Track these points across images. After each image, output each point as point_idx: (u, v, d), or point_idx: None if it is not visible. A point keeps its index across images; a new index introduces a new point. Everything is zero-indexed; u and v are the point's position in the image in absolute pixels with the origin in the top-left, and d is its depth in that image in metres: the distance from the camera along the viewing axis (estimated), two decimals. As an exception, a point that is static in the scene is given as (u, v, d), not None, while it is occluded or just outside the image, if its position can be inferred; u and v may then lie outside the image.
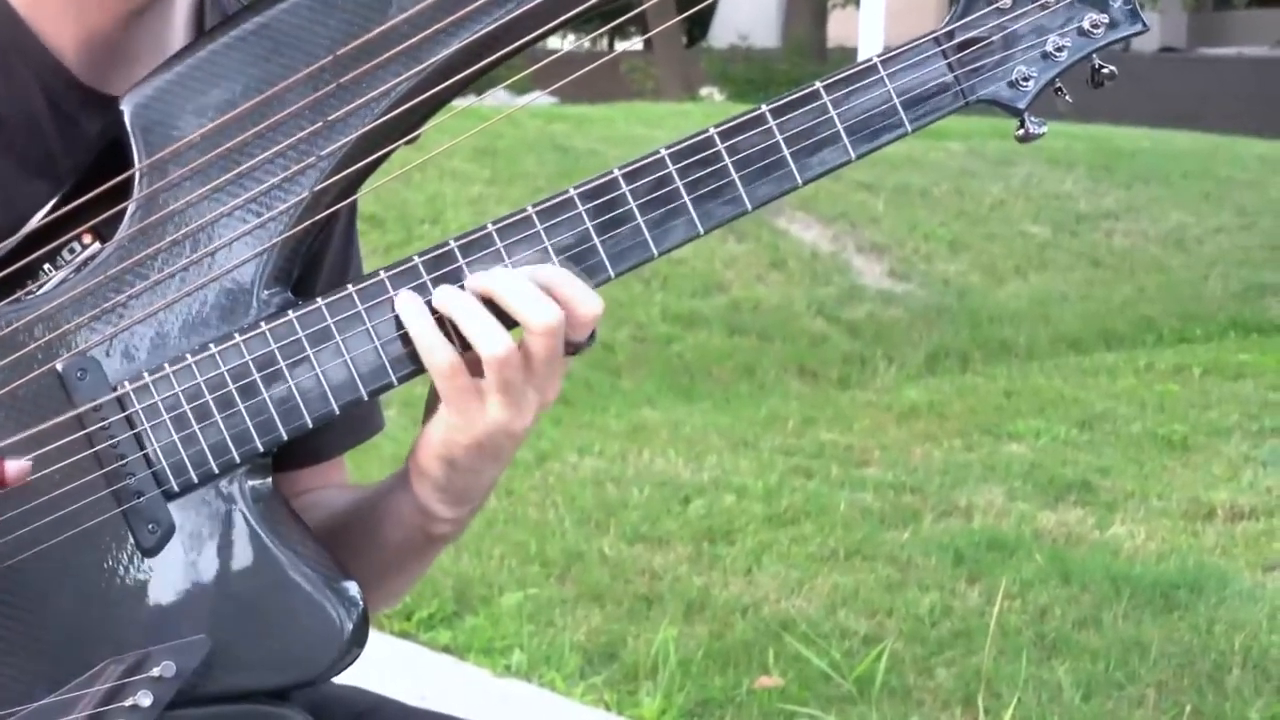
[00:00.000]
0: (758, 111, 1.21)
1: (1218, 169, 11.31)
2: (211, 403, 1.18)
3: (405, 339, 1.19)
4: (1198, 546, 4.72)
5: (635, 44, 17.42)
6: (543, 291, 1.16)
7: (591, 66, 1.26)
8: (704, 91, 19.27)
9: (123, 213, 1.18)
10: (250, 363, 1.18)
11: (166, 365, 1.18)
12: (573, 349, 1.19)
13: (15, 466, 1.13)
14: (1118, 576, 4.34)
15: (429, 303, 1.18)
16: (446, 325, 1.18)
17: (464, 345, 1.18)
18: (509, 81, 1.37)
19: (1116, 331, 8.38)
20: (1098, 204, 10.12)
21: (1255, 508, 5.08)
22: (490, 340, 1.16)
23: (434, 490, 1.24)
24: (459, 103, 1.24)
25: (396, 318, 1.19)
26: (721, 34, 23.26)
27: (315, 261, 1.32)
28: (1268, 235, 10.02)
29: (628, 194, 1.20)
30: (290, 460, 1.34)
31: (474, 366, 1.19)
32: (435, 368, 1.17)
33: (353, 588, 1.23)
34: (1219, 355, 7.61)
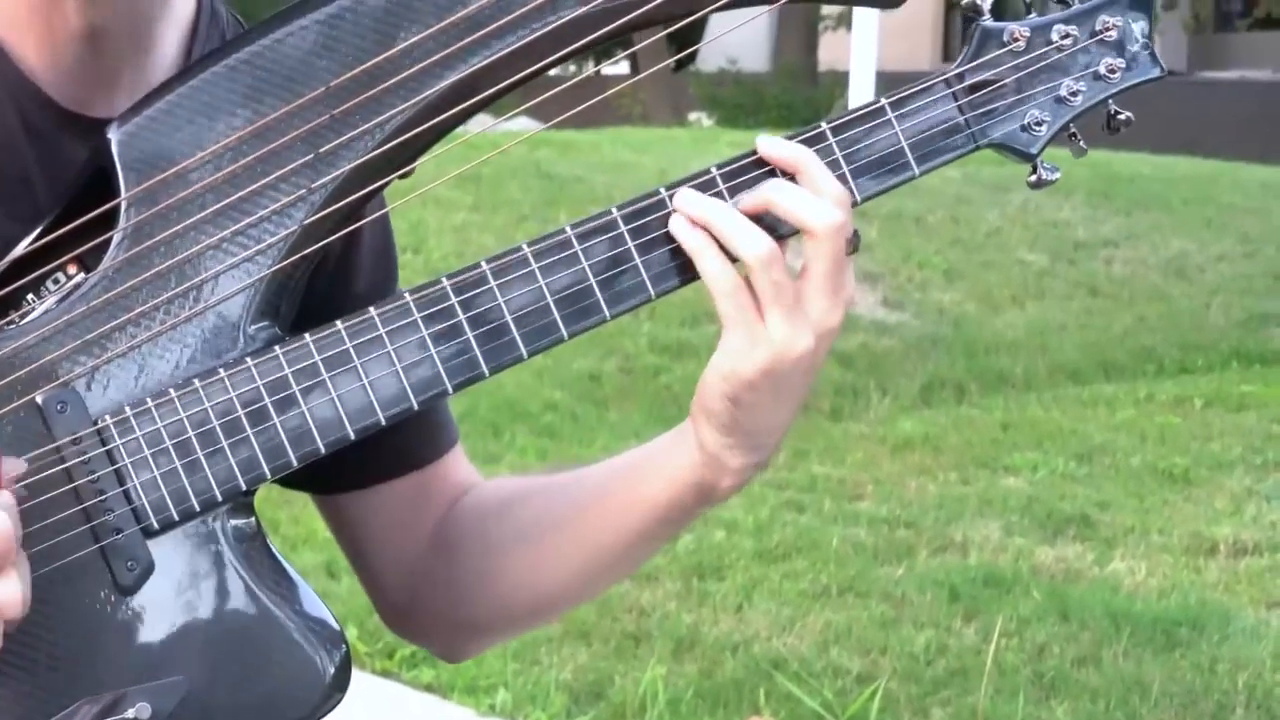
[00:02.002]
0: (758, 154, 1.19)
1: (1219, 195, 11.28)
2: (194, 439, 1.17)
3: (392, 378, 1.17)
4: (1200, 583, 4.69)
5: (622, 68, 17.42)
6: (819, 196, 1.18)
7: (597, 99, 1.23)
8: (692, 116, 19.26)
9: (108, 243, 1.17)
10: (235, 399, 1.17)
11: (149, 400, 1.16)
12: (850, 249, 1.20)
13: (10, 464, 1.11)
14: (1118, 613, 4.31)
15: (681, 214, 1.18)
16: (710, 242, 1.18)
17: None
18: (507, 116, 1.35)
19: (1116, 362, 8.35)
20: (1096, 231, 10.10)
21: (1259, 543, 5.05)
22: (753, 241, 1.18)
23: (720, 433, 1.22)
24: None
25: (389, 355, 1.17)
26: (710, 57, 23.19)
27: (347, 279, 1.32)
28: (1271, 263, 9.98)
29: (626, 234, 1.18)
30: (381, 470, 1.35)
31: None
32: (717, 286, 1.18)
33: (336, 631, 1.21)
34: (1221, 386, 7.58)
